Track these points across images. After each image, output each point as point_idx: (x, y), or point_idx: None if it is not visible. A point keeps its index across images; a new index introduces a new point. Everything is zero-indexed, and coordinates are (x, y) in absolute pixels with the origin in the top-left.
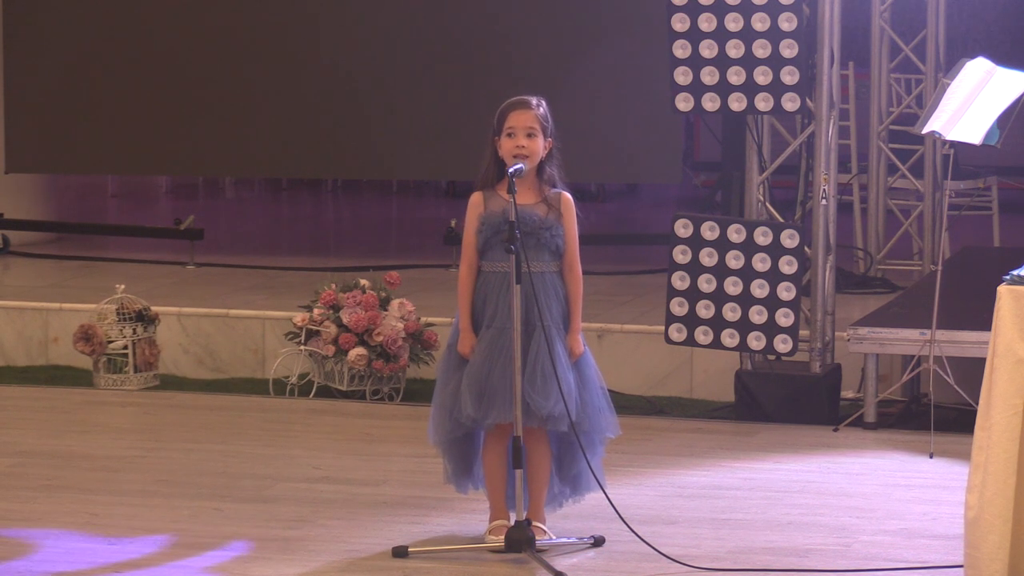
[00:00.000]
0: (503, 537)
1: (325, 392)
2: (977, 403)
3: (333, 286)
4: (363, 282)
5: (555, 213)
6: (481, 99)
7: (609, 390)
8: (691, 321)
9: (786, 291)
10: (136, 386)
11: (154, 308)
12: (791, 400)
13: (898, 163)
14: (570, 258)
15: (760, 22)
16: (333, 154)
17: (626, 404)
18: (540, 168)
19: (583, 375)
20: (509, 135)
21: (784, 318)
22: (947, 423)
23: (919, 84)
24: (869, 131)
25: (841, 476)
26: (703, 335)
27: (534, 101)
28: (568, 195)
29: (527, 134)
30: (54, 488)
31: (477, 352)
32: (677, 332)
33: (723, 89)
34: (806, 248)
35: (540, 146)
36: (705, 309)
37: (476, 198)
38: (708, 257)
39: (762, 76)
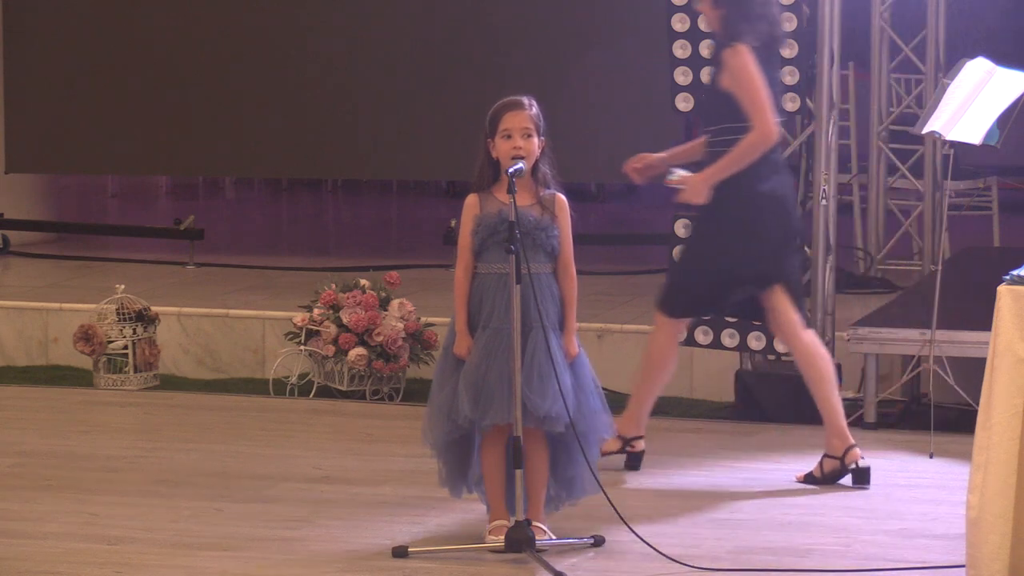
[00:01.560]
0: (503, 537)
1: (325, 392)
2: (977, 403)
3: (333, 286)
4: (363, 282)
5: (550, 214)
6: (481, 99)
7: (609, 390)
8: (691, 321)
9: None
10: (136, 386)
11: (154, 308)
12: (791, 400)
13: (898, 163)
14: (565, 259)
15: None
16: (333, 154)
17: (626, 404)
18: (535, 168)
19: (579, 376)
20: (506, 137)
21: None
22: (947, 423)
23: (919, 84)
24: (869, 131)
25: None
26: (703, 335)
27: (527, 101)
28: (562, 196)
29: (524, 135)
30: (54, 488)
31: (474, 353)
32: None
33: None
34: (806, 248)
35: (536, 146)
36: None
37: (472, 200)
38: None
39: None
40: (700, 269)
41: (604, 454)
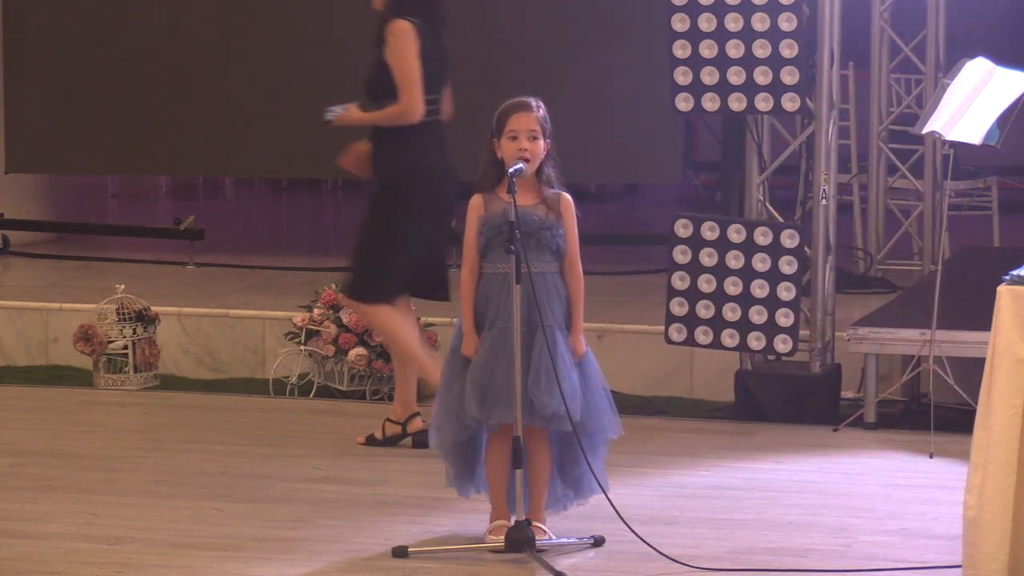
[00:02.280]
0: (503, 537)
1: (325, 392)
2: (977, 403)
3: (333, 286)
4: None
5: (555, 213)
6: (481, 99)
7: (609, 390)
8: (691, 321)
9: (786, 291)
10: (136, 386)
11: (154, 308)
12: (791, 400)
13: (898, 163)
14: (571, 258)
15: (760, 22)
16: (333, 154)
17: (626, 404)
18: (539, 169)
19: (586, 375)
20: (512, 138)
21: (784, 318)
22: (947, 423)
23: (919, 84)
24: (869, 131)
25: (841, 476)
26: (703, 335)
27: (534, 103)
28: (567, 195)
29: (530, 136)
30: (54, 488)
31: (479, 353)
32: (677, 332)
33: (723, 89)
34: (806, 248)
35: (541, 148)
36: (705, 309)
37: (476, 200)
38: (708, 257)
39: (762, 76)
40: (388, 252)
41: (388, 441)
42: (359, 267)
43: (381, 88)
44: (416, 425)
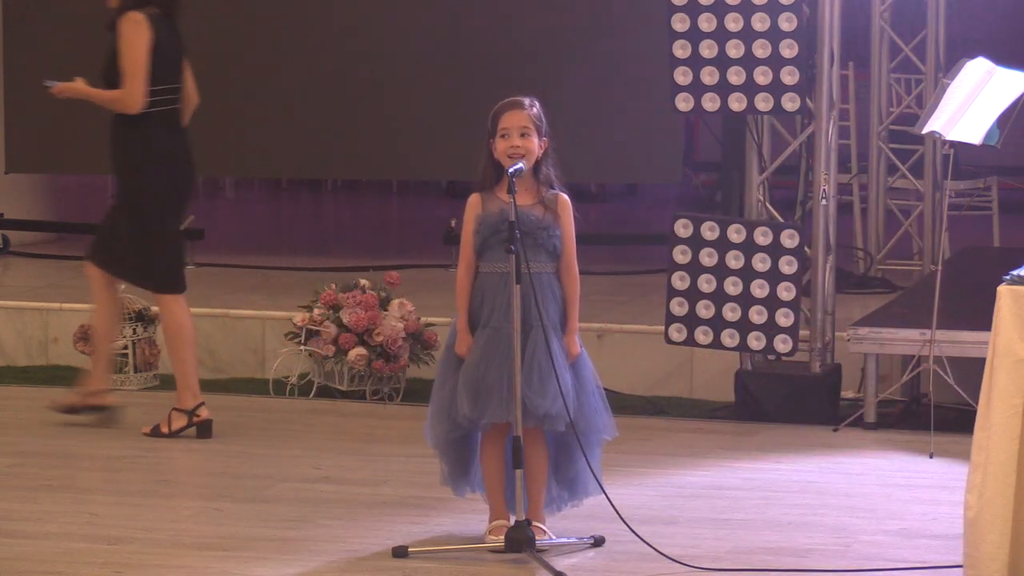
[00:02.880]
0: (503, 537)
1: (325, 392)
2: (977, 403)
3: (333, 286)
4: (363, 282)
5: (552, 214)
6: (481, 99)
7: (609, 390)
8: (691, 321)
9: (786, 291)
10: (136, 386)
11: (154, 308)
12: (791, 400)
13: (898, 163)
14: (567, 259)
15: (760, 22)
16: (333, 154)
17: (626, 404)
18: (537, 168)
19: (580, 376)
20: (503, 136)
21: (784, 318)
22: (947, 423)
23: (919, 84)
24: (869, 131)
25: (841, 476)
26: (703, 335)
27: (527, 101)
28: (565, 196)
29: (521, 134)
30: (54, 488)
31: (473, 352)
32: (677, 332)
33: (723, 89)
34: (806, 248)
35: (535, 145)
36: (705, 309)
37: (474, 199)
38: (708, 257)
39: (762, 76)
40: (149, 241)
41: (174, 433)
42: (99, 232)
43: (114, 75)
44: (204, 413)
